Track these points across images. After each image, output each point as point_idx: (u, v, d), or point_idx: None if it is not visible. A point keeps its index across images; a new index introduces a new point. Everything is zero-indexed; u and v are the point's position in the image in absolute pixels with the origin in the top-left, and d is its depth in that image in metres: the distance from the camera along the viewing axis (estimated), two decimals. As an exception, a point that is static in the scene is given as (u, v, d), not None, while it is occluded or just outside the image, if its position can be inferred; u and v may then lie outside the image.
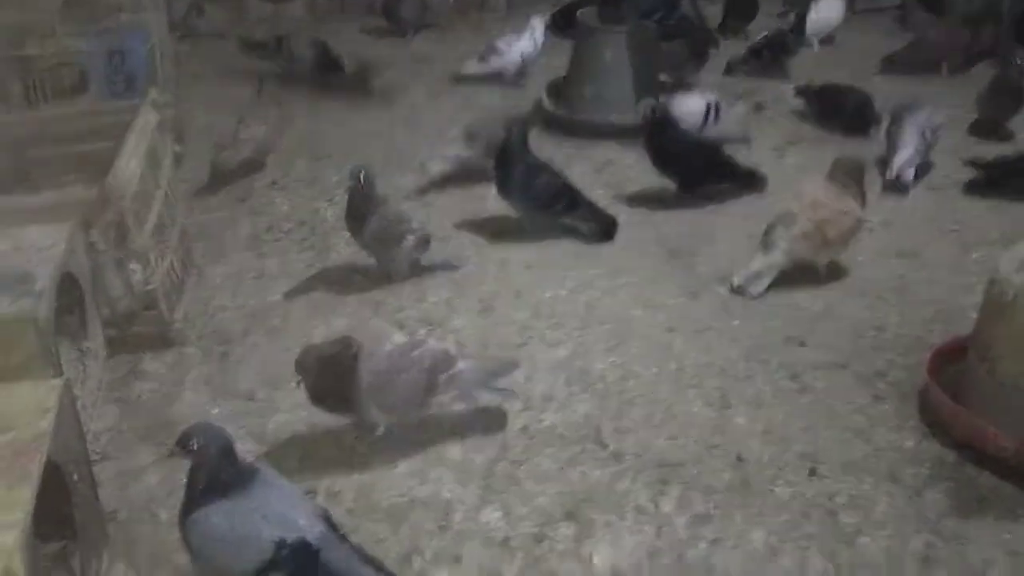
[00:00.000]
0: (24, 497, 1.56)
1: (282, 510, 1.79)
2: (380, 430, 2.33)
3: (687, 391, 2.54)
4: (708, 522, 2.11)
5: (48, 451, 1.68)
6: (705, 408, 2.48)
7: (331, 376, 2.23)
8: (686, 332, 2.81)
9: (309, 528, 1.78)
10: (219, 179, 3.82)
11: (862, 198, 3.03)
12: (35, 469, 1.62)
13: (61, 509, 1.85)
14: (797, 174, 3.70)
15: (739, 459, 2.29)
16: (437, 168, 3.76)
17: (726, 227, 3.40)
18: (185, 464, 1.84)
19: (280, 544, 1.74)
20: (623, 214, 3.47)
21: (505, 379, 2.41)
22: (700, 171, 3.58)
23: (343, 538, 1.84)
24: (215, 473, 1.80)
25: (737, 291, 2.98)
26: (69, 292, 2.42)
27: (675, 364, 2.66)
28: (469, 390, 2.36)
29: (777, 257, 2.95)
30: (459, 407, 2.40)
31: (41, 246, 2.33)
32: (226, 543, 1.76)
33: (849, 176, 3.02)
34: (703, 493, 2.19)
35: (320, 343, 2.36)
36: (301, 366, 2.25)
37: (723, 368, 2.63)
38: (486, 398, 2.41)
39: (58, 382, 1.88)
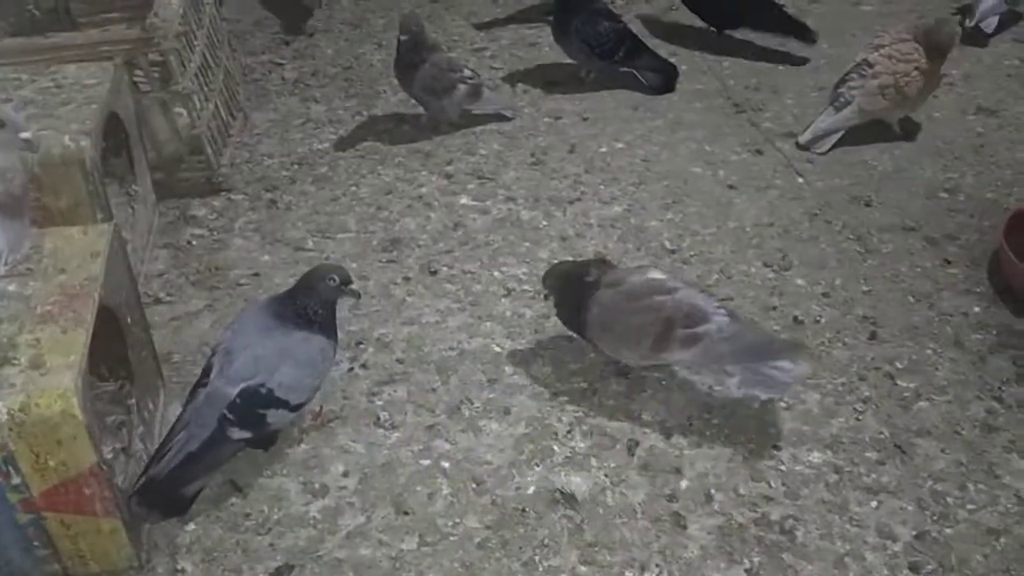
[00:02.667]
0: (79, 340, 1.56)
1: None
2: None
3: (746, 251, 2.46)
4: (762, 383, 2.08)
5: (100, 295, 1.67)
6: (764, 269, 2.40)
7: (568, 297, 2.01)
8: (748, 190, 2.70)
9: None
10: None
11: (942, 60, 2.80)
12: (88, 313, 1.62)
13: (116, 351, 1.87)
14: (874, 22, 3.46)
15: (797, 321, 2.23)
16: None
17: (794, 78, 3.23)
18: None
19: None
20: (685, 64, 3.31)
21: (778, 365, 1.90)
22: (734, 12, 3.38)
23: None
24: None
25: (804, 148, 2.84)
26: (115, 133, 2.37)
27: (735, 223, 2.57)
28: (723, 362, 1.95)
29: (849, 113, 2.79)
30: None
31: (84, 84, 2.27)
32: None
33: (933, 41, 2.77)
34: (758, 354, 2.15)
35: (570, 261, 2.19)
36: (546, 281, 2.07)
37: (785, 228, 2.54)
38: (750, 383, 1.94)
39: (107, 226, 1.85)
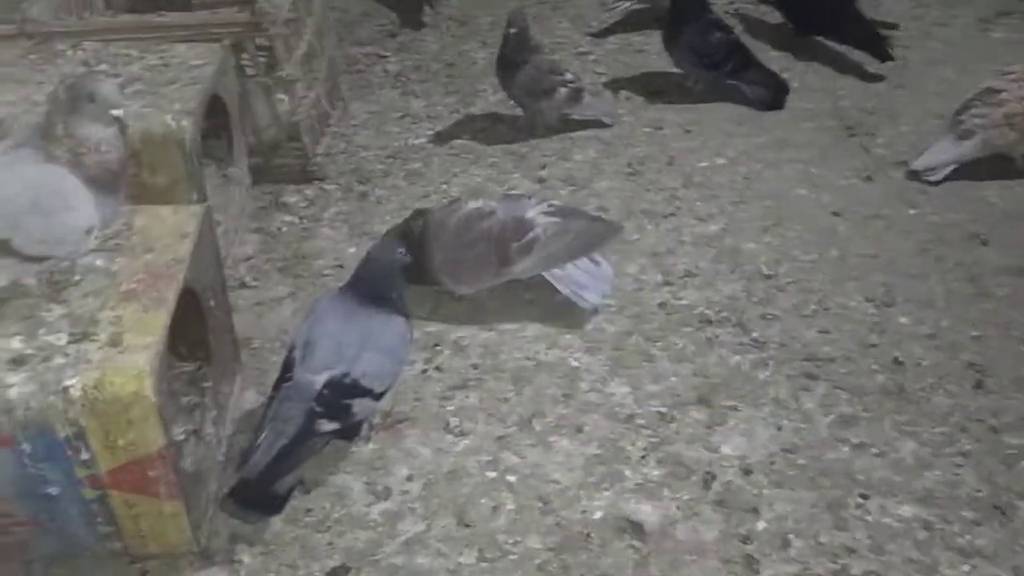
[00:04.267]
0: (159, 321, 1.56)
1: None
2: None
3: (847, 283, 2.33)
4: (854, 425, 1.96)
5: (185, 277, 1.67)
6: (865, 303, 2.27)
7: (413, 253, 2.06)
8: (854, 218, 2.56)
9: None
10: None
11: None
12: (171, 294, 1.62)
13: (196, 333, 1.87)
14: (1005, 51, 3.26)
15: (897, 362, 2.10)
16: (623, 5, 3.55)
17: (913, 103, 3.06)
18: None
19: None
20: (797, 81, 3.18)
21: (601, 249, 2.22)
22: (817, 16, 3.28)
23: None
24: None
25: (915, 176, 2.69)
26: (216, 115, 2.40)
27: (837, 252, 2.44)
28: (552, 262, 2.16)
29: (972, 145, 2.62)
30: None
31: (191, 64, 2.29)
32: None
33: None
34: (851, 394, 2.02)
35: (395, 227, 2.25)
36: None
37: (891, 261, 2.40)
38: (567, 281, 2.17)
39: (199, 208, 1.86)
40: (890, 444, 1.91)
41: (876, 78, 3.20)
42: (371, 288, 1.81)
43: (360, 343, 1.75)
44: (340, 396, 1.72)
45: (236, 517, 1.70)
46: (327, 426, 1.72)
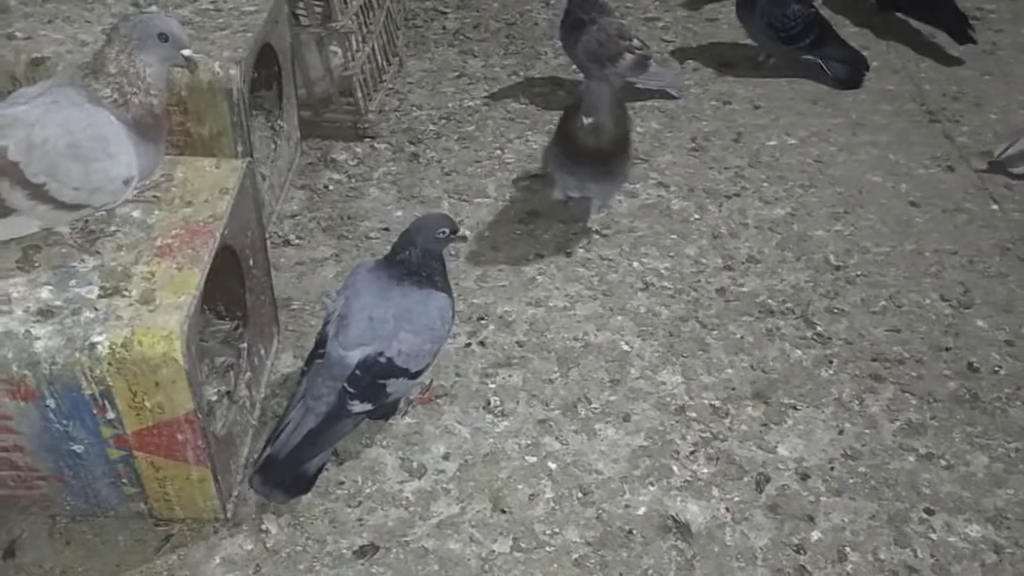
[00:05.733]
0: (192, 280, 1.48)
1: None
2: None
3: (922, 280, 2.19)
4: (921, 433, 1.83)
5: (223, 235, 1.59)
6: (940, 303, 2.13)
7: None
8: (932, 210, 2.41)
9: None
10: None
11: None
12: (207, 252, 1.54)
13: (235, 291, 1.80)
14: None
15: (971, 368, 1.96)
16: None
17: (1002, 91, 2.88)
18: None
19: None
20: (877, 59, 3.00)
21: None
22: None
23: None
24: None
25: (1000, 168, 2.52)
26: (267, 65, 2.31)
27: (912, 245, 2.29)
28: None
29: (1065, 135, 2.45)
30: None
31: (243, 11, 2.20)
32: None
33: None
34: (921, 400, 1.90)
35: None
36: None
37: (971, 259, 2.25)
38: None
39: (240, 163, 1.77)
40: (960, 457, 1.78)
41: (961, 61, 3.01)
42: (410, 262, 1.71)
43: (397, 319, 1.67)
44: (374, 376, 1.64)
45: (262, 496, 1.63)
46: (359, 407, 1.64)
